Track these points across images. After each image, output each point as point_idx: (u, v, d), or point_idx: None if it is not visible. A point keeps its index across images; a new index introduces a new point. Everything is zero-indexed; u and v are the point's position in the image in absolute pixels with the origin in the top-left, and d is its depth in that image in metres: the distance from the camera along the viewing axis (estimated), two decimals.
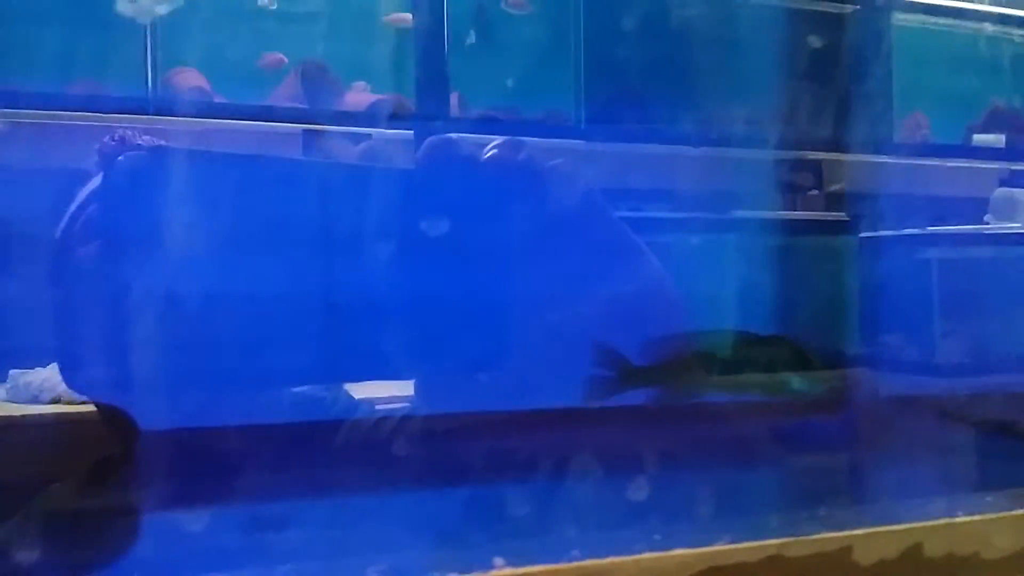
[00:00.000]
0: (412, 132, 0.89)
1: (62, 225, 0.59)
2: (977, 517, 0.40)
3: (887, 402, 0.69)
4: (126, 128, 0.67)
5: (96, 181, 0.61)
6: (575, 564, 0.27)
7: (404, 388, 0.58)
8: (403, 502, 0.47)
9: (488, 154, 0.62)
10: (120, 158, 0.61)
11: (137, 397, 0.54)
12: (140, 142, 0.63)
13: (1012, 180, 1.14)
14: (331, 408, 0.62)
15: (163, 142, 0.66)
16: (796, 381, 0.64)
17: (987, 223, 1.10)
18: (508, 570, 0.27)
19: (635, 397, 0.59)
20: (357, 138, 0.86)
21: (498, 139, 0.62)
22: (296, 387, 0.60)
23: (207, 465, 0.46)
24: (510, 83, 1.08)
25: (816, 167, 1.03)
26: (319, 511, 0.45)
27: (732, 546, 0.30)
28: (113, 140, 0.64)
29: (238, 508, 0.43)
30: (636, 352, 0.59)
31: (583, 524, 0.36)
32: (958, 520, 0.39)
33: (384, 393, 0.60)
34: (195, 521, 0.41)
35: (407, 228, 0.60)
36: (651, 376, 0.60)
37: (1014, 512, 0.41)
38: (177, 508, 0.43)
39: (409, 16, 1.09)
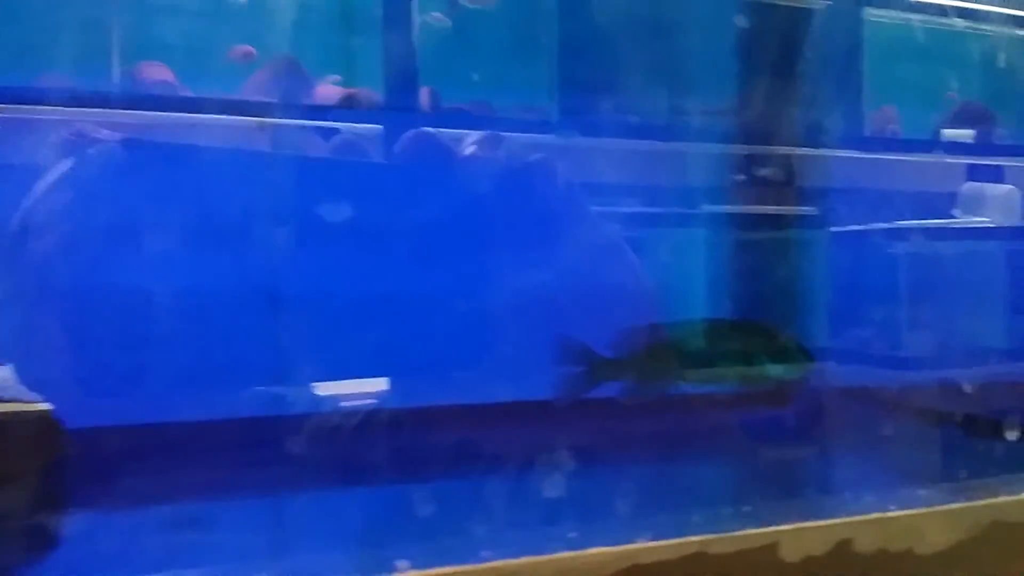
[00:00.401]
0: (382, 126, 0.89)
1: (17, 219, 0.58)
2: (911, 511, 0.40)
3: (847, 395, 0.69)
4: (84, 122, 0.66)
5: (53, 174, 0.60)
6: (487, 565, 0.27)
7: (350, 385, 0.58)
8: (311, 501, 0.47)
9: (468, 149, 0.62)
10: (90, 151, 0.60)
11: (89, 394, 0.54)
12: (98, 136, 0.63)
13: (980, 175, 1.15)
14: (292, 405, 0.61)
15: (124, 135, 0.66)
16: (775, 369, 0.64)
17: (955, 218, 1.11)
18: (412, 572, 0.27)
19: (604, 391, 0.59)
20: (326, 131, 0.86)
21: (477, 134, 0.62)
22: (268, 383, 0.60)
23: (130, 465, 0.46)
24: (480, 77, 1.08)
25: (786, 161, 1.03)
26: (228, 512, 0.44)
27: (653, 544, 0.30)
28: (71, 134, 0.64)
29: (144, 509, 0.43)
30: (610, 344, 0.59)
31: (494, 523, 0.36)
32: (890, 514, 0.39)
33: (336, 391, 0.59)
34: (72, 525, 0.41)
35: (387, 221, 0.60)
36: (624, 368, 0.60)
37: (949, 506, 0.40)
38: (92, 509, 0.42)
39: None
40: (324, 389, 0.57)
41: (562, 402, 0.56)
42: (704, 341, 0.63)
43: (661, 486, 0.48)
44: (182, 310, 0.52)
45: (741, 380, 0.63)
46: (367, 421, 0.51)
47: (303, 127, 0.87)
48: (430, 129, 0.62)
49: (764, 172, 0.99)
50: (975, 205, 1.11)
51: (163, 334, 0.50)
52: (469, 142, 0.61)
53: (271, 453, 0.46)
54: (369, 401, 0.57)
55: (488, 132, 0.62)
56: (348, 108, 1.02)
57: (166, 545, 0.41)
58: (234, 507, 0.45)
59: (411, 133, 0.61)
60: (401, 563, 0.27)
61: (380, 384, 0.59)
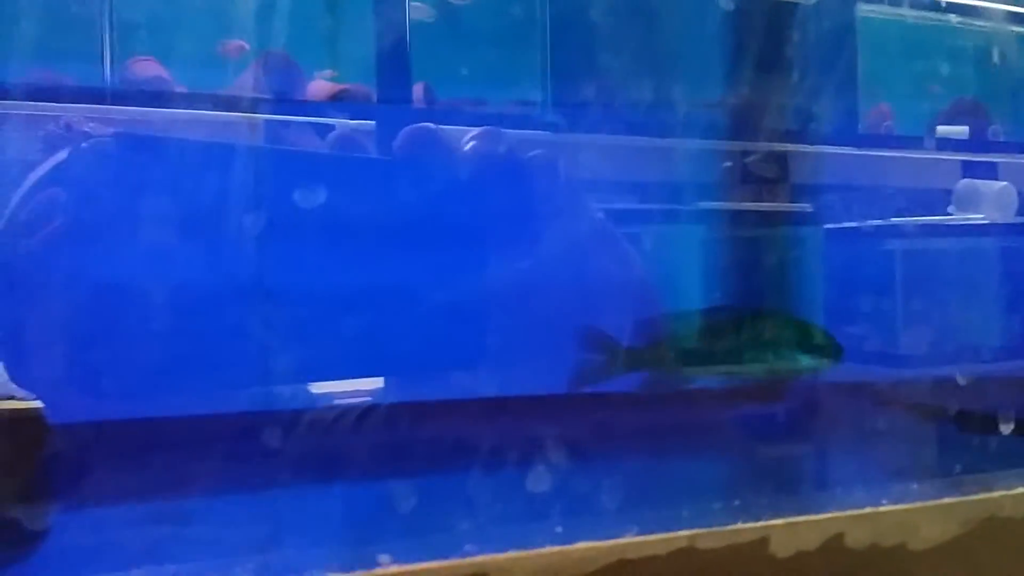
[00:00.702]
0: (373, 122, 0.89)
1: (7, 214, 0.58)
2: (903, 506, 0.39)
3: (841, 390, 0.68)
4: (72, 116, 0.66)
5: (42, 169, 0.60)
6: (469, 560, 0.27)
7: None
8: (295, 495, 0.46)
9: (468, 144, 0.61)
10: (83, 144, 0.60)
11: (82, 390, 0.53)
12: (87, 129, 0.62)
13: (975, 172, 1.15)
14: (289, 403, 0.61)
15: (115, 130, 0.65)
16: (804, 360, 0.62)
17: (950, 215, 1.11)
18: (394, 568, 0.27)
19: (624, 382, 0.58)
20: (319, 127, 0.85)
21: (476, 129, 0.61)
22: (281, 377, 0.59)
23: (114, 461, 0.45)
24: (475, 72, 1.08)
25: (781, 158, 1.03)
26: (211, 508, 0.44)
27: (641, 538, 0.29)
28: (59, 128, 0.63)
29: (133, 504, 0.43)
30: (632, 333, 0.58)
31: (478, 517, 0.35)
32: (883, 509, 0.38)
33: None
34: (43, 521, 0.40)
35: (389, 216, 0.60)
36: (647, 358, 0.59)
37: (942, 500, 0.40)
38: (77, 505, 0.42)
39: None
40: (319, 386, 0.56)
41: (579, 390, 0.56)
42: (730, 331, 0.62)
43: (651, 480, 0.48)
44: (173, 306, 0.51)
45: (770, 371, 0.61)
46: (360, 416, 0.50)
47: (299, 122, 0.87)
48: (430, 124, 0.61)
49: (760, 168, 0.98)
50: (970, 202, 1.11)
51: (153, 330, 0.49)
52: (468, 137, 0.61)
53: (256, 448, 0.46)
54: (364, 398, 0.57)
55: (488, 127, 0.62)
56: (342, 103, 1.02)
57: (150, 540, 0.41)
58: (217, 503, 0.45)
59: (410, 128, 0.60)
60: (383, 558, 0.27)
61: (376, 380, 0.58)
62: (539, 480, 0.41)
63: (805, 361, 0.62)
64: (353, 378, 0.57)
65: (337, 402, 0.56)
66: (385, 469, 0.49)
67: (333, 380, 0.57)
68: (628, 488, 0.41)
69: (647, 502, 0.38)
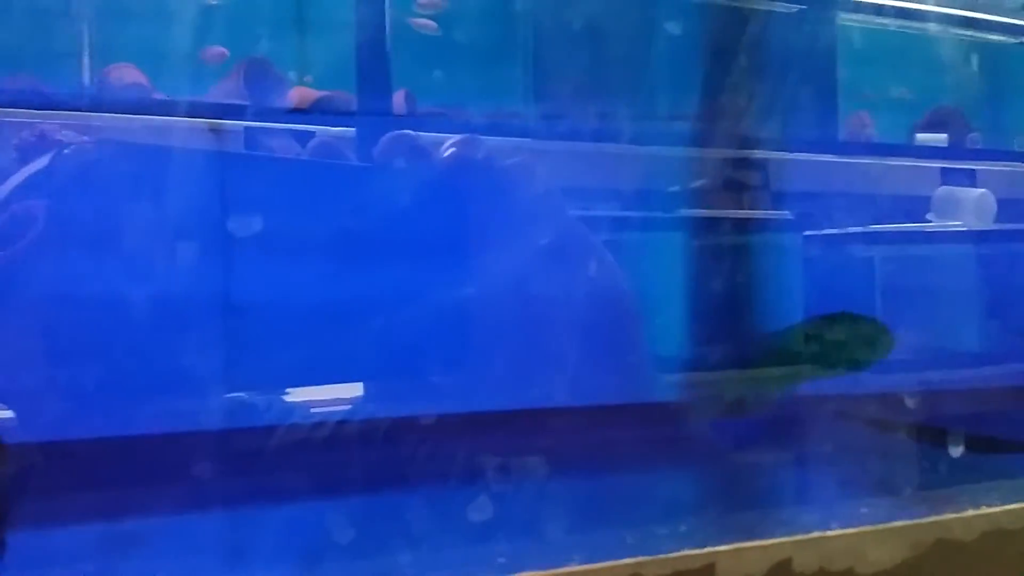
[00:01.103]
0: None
1: None
2: (852, 530, 0.39)
3: (801, 403, 0.68)
4: (45, 124, 0.65)
5: (15, 179, 0.59)
6: None
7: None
8: (238, 521, 0.46)
9: (447, 151, 0.61)
10: (53, 154, 0.59)
11: (57, 404, 0.53)
12: (61, 138, 0.62)
13: (954, 179, 1.16)
14: (264, 414, 0.61)
15: (92, 138, 0.65)
16: (868, 353, 0.62)
17: (929, 221, 1.11)
18: None
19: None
20: (298, 134, 0.85)
21: (455, 136, 0.61)
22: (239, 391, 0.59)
23: (72, 481, 0.45)
24: (458, 80, 1.08)
25: (761, 166, 1.03)
26: (160, 531, 0.44)
27: (585, 567, 0.29)
28: (33, 136, 0.63)
29: (85, 527, 0.42)
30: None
31: (416, 546, 0.35)
32: (831, 533, 0.38)
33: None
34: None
35: (368, 223, 0.60)
36: (738, 378, 0.58)
37: (891, 524, 0.40)
38: (31, 528, 0.41)
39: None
40: (289, 399, 0.56)
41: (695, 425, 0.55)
42: (812, 338, 0.62)
43: (597, 503, 0.48)
44: (148, 319, 0.51)
45: (850, 368, 0.61)
46: (328, 432, 0.50)
47: (280, 129, 0.87)
48: (409, 131, 0.62)
49: (741, 177, 0.99)
50: (949, 209, 1.12)
51: (115, 344, 0.49)
52: (448, 144, 0.61)
53: (211, 468, 0.45)
54: (344, 406, 0.57)
55: (467, 135, 0.62)
56: (322, 110, 1.02)
57: (105, 565, 0.40)
58: (169, 526, 0.45)
59: (390, 135, 0.61)
60: None
61: (355, 388, 0.58)
62: (481, 508, 0.41)
63: (873, 355, 0.62)
64: (330, 385, 0.57)
65: (314, 412, 0.56)
66: (330, 490, 0.49)
67: (312, 387, 0.57)
68: (573, 513, 0.40)
69: (592, 526, 0.38)
